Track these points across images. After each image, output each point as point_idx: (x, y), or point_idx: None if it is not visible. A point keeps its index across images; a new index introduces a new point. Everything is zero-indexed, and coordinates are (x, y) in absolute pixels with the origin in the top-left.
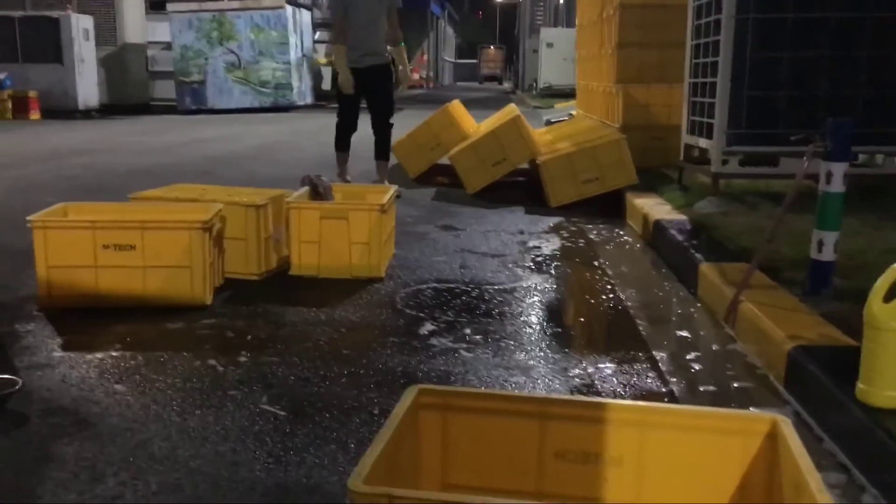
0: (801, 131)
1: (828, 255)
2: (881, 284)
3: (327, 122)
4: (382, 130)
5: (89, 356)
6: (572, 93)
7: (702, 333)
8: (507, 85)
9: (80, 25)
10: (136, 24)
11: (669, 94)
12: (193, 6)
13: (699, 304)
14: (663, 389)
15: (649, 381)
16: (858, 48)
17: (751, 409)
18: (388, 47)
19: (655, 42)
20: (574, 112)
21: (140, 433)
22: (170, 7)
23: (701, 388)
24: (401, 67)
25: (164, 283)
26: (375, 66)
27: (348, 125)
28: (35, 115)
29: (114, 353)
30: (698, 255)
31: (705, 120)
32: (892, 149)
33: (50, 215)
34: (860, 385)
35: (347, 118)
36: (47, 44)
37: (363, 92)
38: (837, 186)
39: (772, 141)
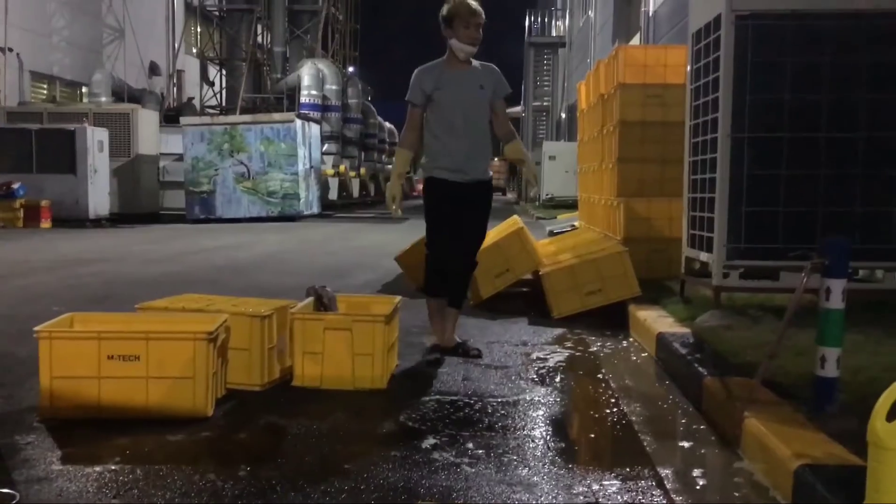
0: (799, 247)
1: (831, 371)
2: (883, 403)
3: (333, 231)
4: (466, 267)
5: (88, 469)
6: (574, 204)
7: (707, 450)
8: (510, 195)
9: (95, 137)
10: (149, 137)
11: (669, 207)
12: (206, 119)
13: (704, 420)
14: None
15: (654, 499)
16: (853, 166)
17: None
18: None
19: (655, 157)
20: (577, 223)
21: None
22: (183, 121)
23: None
24: (525, 168)
25: (166, 394)
26: (481, 181)
27: (447, 259)
28: (46, 223)
29: (113, 467)
30: (702, 370)
31: (705, 234)
32: (892, 264)
33: (56, 325)
34: None
35: (445, 250)
36: (62, 155)
37: (461, 213)
38: (837, 303)
39: (771, 255)
